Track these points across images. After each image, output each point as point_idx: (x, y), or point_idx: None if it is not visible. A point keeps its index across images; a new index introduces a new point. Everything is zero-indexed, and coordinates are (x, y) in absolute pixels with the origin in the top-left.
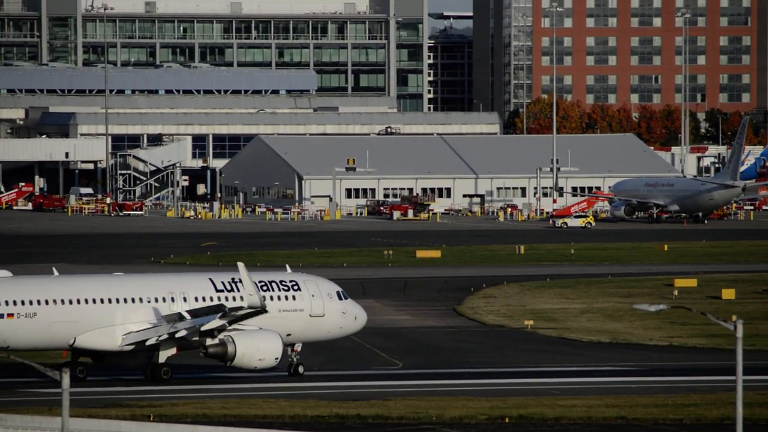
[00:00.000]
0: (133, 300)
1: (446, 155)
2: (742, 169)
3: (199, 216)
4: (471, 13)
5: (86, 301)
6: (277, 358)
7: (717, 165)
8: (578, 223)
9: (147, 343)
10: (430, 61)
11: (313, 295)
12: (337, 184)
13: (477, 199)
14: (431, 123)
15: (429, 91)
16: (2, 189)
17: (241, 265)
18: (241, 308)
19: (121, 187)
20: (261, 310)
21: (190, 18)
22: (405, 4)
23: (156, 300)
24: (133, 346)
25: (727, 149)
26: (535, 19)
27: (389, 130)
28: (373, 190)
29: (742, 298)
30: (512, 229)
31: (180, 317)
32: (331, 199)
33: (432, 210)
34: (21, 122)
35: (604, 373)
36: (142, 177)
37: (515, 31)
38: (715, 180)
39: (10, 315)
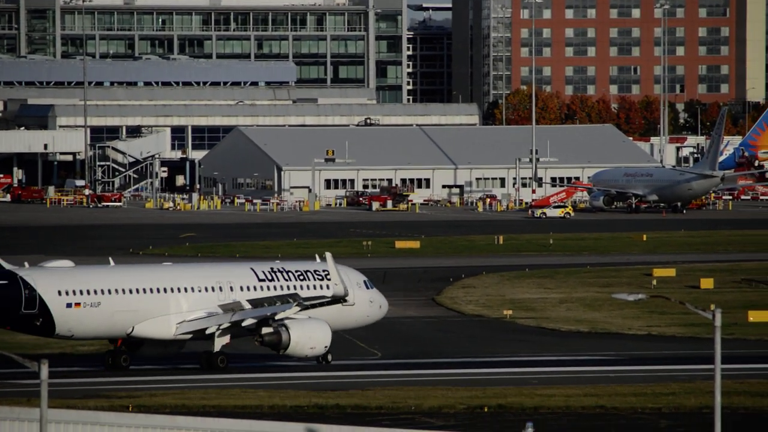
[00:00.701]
0: (186, 289)
1: (425, 146)
2: (720, 159)
3: (178, 207)
4: (450, 5)
5: (145, 290)
6: (326, 347)
7: (696, 155)
8: (557, 213)
9: (207, 332)
10: (409, 53)
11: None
12: (317, 175)
13: (456, 190)
14: (410, 114)
15: (408, 83)
16: None
17: (329, 255)
18: (315, 297)
19: (99, 178)
20: (342, 299)
21: (169, 10)
22: None
23: (206, 289)
24: (190, 335)
25: (705, 140)
26: (514, 11)
27: (368, 121)
28: (352, 181)
29: (720, 287)
30: (491, 220)
31: (239, 306)
32: (310, 190)
33: (411, 201)
34: (0, 114)
35: (582, 362)
36: (121, 168)
37: (494, 23)
38: (694, 170)
39: (77, 304)
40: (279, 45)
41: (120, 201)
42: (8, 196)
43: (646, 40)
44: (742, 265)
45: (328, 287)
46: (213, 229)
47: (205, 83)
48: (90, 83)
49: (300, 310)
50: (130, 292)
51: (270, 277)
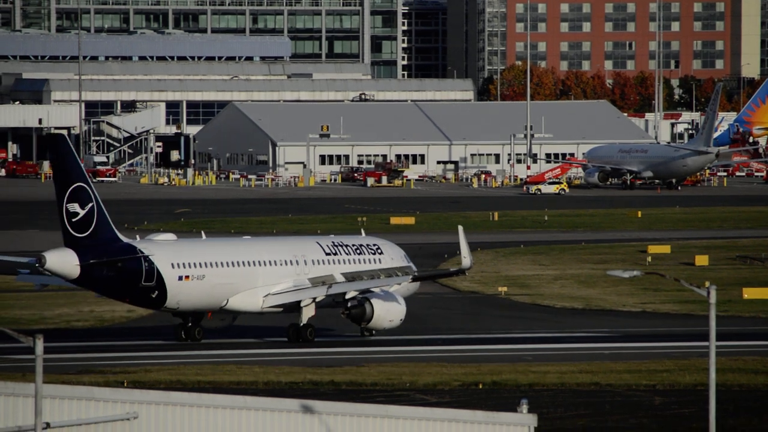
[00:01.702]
0: (269, 263)
1: (420, 122)
2: (715, 135)
3: (173, 183)
4: None
5: (239, 264)
6: (401, 320)
7: (690, 131)
8: (552, 189)
9: (302, 304)
10: (405, 28)
11: (392, 258)
12: (311, 150)
13: (451, 166)
14: (405, 90)
15: (403, 58)
16: None
17: (460, 228)
18: (433, 271)
19: (94, 153)
20: (464, 272)
21: None
22: None
23: (286, 263)
24: (279, 308)
25: (700, 116)
26: None
27: (363, 96)
28: (347, 157)
29: (715, 264)
30: (486, 196)
31: (332, 279)
32: (305, 166)
33: (406, 177)
34: None
35: (577, 339)
36: (115, 143)
37: None
38: (689, 146)
39: (187, 277)
40: (274, 20)
41: (115, 176)
42: (3, 170)
43: (641, 16)
44: (736, 242)
45: (379, 261)
46: (208, 205)
47: (200, 58)
48: (85, 58)
49: (411, 282)
50: (228, 265)
51: (334, 251)
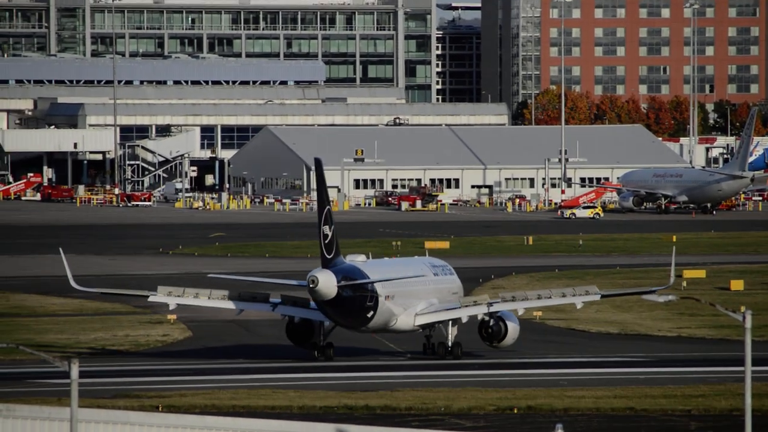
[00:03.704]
0: (421, 282)
1: (454, 146)
2: (750, 160)
3: (208, 207)
4: (479, 4)
5: (414, 283)
6: (516, 339)
7: (725, 156)
8: (587, 213)
9: (463, 321)
10: (439, 52)
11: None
12: (346, 174)
13: (485, 190)
14: (439, 114)
15: (437, 82)
16: (11, 179)
17: (674, 249)
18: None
19: (129, 177)
20: (654, 291)
21: (199, 9)
22: None
23: (426, 283)
24: (430, 325)
25: (735, 140)
26: (544, 10)
27: (397, 121)
28: (381, 181)
29: (750, 289)
30: (520, 220)
31: (485, 299)
32: (339, 190)
33: (440, 201)
34: (30, 113)
35: (612, 364)
36: (150, 168)
37: (523, 22)
38: (724, 171)
39: (388, 297)
40: (308, 44)
41: (149, 200)
42: (38, 195)
43: (675, 40)
44: None
45: (455, 280)
46: (242, 229)
47: (234, 82)
48: (119, 82)
49: (600, 298)
50: (407, 284)
51: (435, 272)
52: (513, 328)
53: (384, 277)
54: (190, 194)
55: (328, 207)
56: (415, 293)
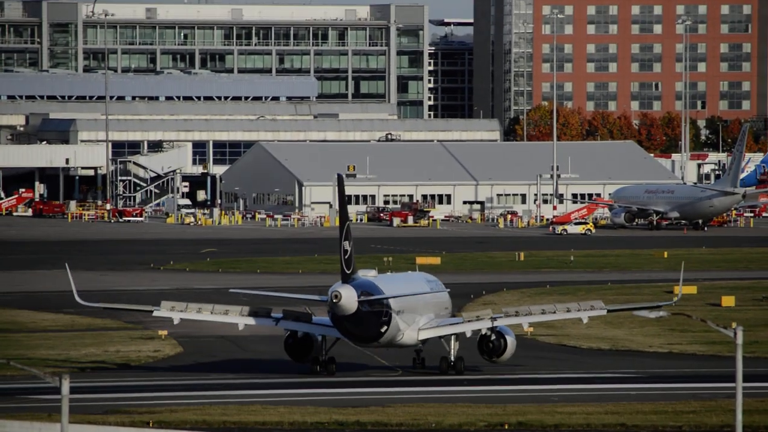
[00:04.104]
0: (424, 297)
1: (446, 162)
2: (742, 176)
3: (199, 222)
4: (472, 20)
5: (419, 298)
6: (513, 354)
7: (717, 172)
8: (578, 229)
9: (468, 335)
10: (431, 68)
11: (448, 291)
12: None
13: (477, 206)
14: (431, 130)
15: (429, 98)
16: (2, 195)
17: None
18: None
19: (121, 193)
20: (660, 306)
21: (191, 24)
22: (405, 10)
23: (428, 297)
24: (431, 340)
25: (727, 156)
26: (536, 26)
27: (389, 136)
28: (373, 197)
29: (741, 305)
30: (512, 236)
31: (488, 314)
32: (331, 206)
33: (432, 216)
34: (21, 128)
35: (603, 380)
36: (142, 183)
37: (516, 38)
38: (716, 187)
39: (399, 312)
40: (300, 60)
41: (141, 216)
42: (30, 210)
43: (667, 56)
44: (763, 283)
45: (447, 294)
46: (234, 244)
47: (226, 98)
48: (112, 97)
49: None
50: (412, 300)
51: (430, 287)
52: (512, 343)
53: (396, 292)
54: (193, 210)
55: (348, 222)
56: (417, 308)
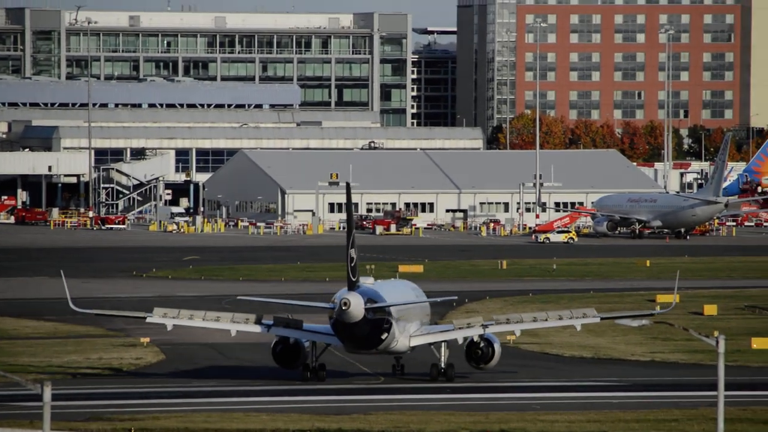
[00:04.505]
0: (416, 305)
1: (429, 170)
2: (724, 185)
3: (182, 230)
4: (455, 29)
5: (414, 304)
6: (498, 361)
7: (700, 181)
8: (561, 238)
9: (459, 342)
10: (414, 76)
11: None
12: (320, 198)
13: (460, 214)
14: (414, 138)
15: (412, 106)
16: None
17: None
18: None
19: (103, 200)
20: (653, 314)
21: (174, 32)
22: (389, 19)
23: (418, 305)
24: (422, 346)
25: (710, 165)
26: (519, 35)
27: (372, 144)
28: (356, 205)
29: (724, 313)
30: (495, 244)
31: (479, 321)
32: (314, 214)
33: (415, 225)
34: (4, 136)
35: (585, 388)
36: (125, 191)
37: (499, 47)
38: (698, 196)
39: (397, 319)
40: (283, 68)
41: (124, 223)
42: (12, 218)
43: (650, 65)
44: (745, 292)
45: (428, 303)
46: (216, 252)
47: (209, 105)
48: (95, 105)
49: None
50: (407, 308)
51: (416, 294)
52: (498, 350)
53: (394, 300)
54: (187, 218)
55: (354, 231)
56: (410, 316)
